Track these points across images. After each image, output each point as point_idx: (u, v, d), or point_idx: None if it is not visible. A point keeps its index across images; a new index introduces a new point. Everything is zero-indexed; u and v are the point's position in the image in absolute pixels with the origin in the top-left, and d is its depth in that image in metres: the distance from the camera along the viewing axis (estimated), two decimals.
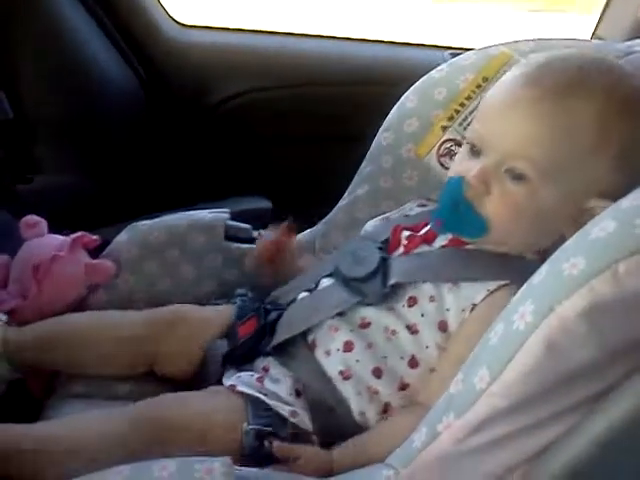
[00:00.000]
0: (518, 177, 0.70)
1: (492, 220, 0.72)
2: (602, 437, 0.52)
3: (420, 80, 0.96)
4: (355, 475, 0.64)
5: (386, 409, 0.73)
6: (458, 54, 1.01)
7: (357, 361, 0.74)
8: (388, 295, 0.75)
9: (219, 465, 0.59)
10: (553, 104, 0.69)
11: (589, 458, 0.53)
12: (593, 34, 1.27)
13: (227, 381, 0.76)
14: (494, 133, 0.72)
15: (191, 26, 1.37)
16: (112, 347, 0.84)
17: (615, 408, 0.52)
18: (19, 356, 0.83)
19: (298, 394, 0.74)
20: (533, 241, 0.74)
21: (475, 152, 0.74)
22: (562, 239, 0.59)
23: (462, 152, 0.77)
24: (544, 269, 0.57)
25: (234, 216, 1.01)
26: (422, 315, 0.74)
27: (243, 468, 0.63)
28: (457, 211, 0.73)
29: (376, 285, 0.76)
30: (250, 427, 0.70)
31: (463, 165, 0.75)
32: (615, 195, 0.59)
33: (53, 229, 0.96)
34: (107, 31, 1.28)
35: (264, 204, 1.18)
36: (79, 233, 0.92)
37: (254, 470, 0.64)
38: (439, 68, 0.96)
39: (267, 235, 0.92)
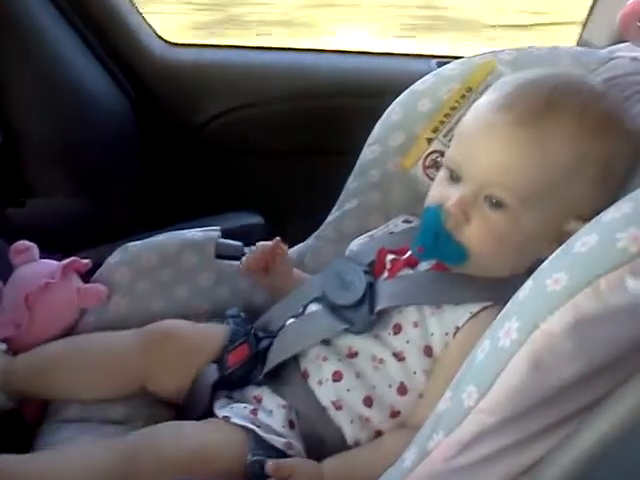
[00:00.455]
0: (497, 205, 0.71)
1: (472, 248, 0.72)
2: (590, 450, 0.52)
3: (404, 92, 0.97)
4: None
5: (379, 436, 0.73)
6: (445, 62, 1.01)
7: (348, 391, 0.74)
8: (374, 322, 0.75)
9: None
10: (526, 130, 0.69)
11: (578, 472, 0.53)
12: (579, 40, 1.27)
13: (220, 412, 0.76)
14: (471, 161, 0.72)
15: (179, 44, 1.38)
16: (105, 367, 0.83)
17: (602, 421, 0.52)
18: (14, 385, 0.83)
19: (292, 425, 0.75)
20: (514, 265, 0.74)
21: (454, 178, 0.74)
22: (543, 260, 0.59)
23: (440, 177, 0.77)
24: (528, 285, 0.57)
25: (225, 234, 1.01)
26: (407, 342, 0.74)
27: None
28: (437, 240, 0.73)
29: (363, 313, 0.76)
30: (255, 458, 0.70)
31: (442, 192, 0.75)
32: (594, 216, 0.59)
33: (44, 251, 0.96)
34: (95, 51, 1.28)
35: (255, 220, 1.18)
36: (70, 259, 0.92)
37: None
38: (423, 79, 0.96)
39: (258, 246, 0.92)
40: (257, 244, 0.92)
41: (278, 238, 0.91)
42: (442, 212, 0.72)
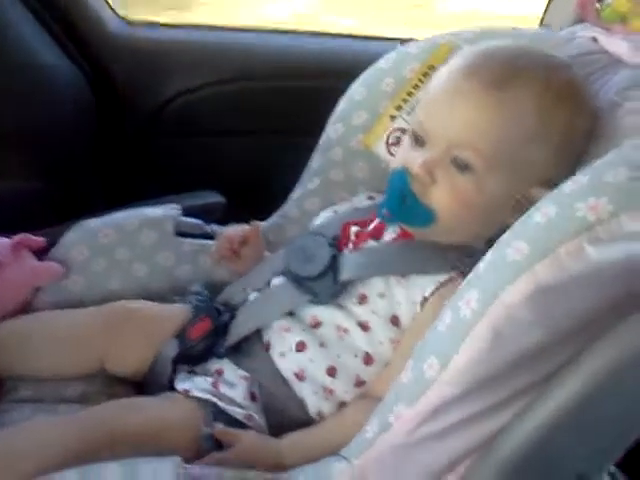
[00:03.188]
0: (463, 167, 0.71)
1: (439, 210, 0.72)
2: (550, 419, 0.53)
3: (367, 71, 0.96)
4: (308, 468, 0.64)
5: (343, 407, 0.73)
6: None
7: (311, 361, 0.74)
8: (338, 293, 0.75)
9: (169, 464, 0.58)
10: (492, 94, 0.70)
11: (538, 440, 0.54)
12: (541, 22, 1.28)
13: (181, 385, 0.75)
14: (438, 124, 0.72)
15: (137, 23, 1.35)
16: (63, 346, 0.82)
17: (561, 390, 0.53)
18: None
19: (253, 398, 0.74)
20: (479, 230, 0.75)
21: (419, 142, 0.74)
22: (506, 228, 0.59)
23: (405, 143, 0.77)
24: (488, 256, 0.57)
25: (186, 212, 0.99)
26: (373, 312, 0.74)
27: (192, 466, 0.62)
28: (404, 202, 0.73)
29: (327, 283, 0.75)
30: (208, 430, 0.69)
31: (407, 156, 0.75)
32: (555, 183, 0.60)
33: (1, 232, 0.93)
34: (50, 29, 1.24)
35: (217, 199, 1.17)
36: (21, 236, 0.89)
37: (204, 467, 0.64)
38: (386, 57, 0.96)
39: (229, 230, 0.91)
40: (227, 227, 0.91)
41: (256, 223, 0.91)
42: (408, 175, 0.72)
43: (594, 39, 0.87)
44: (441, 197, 0.72)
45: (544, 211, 0.55)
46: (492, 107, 0.70)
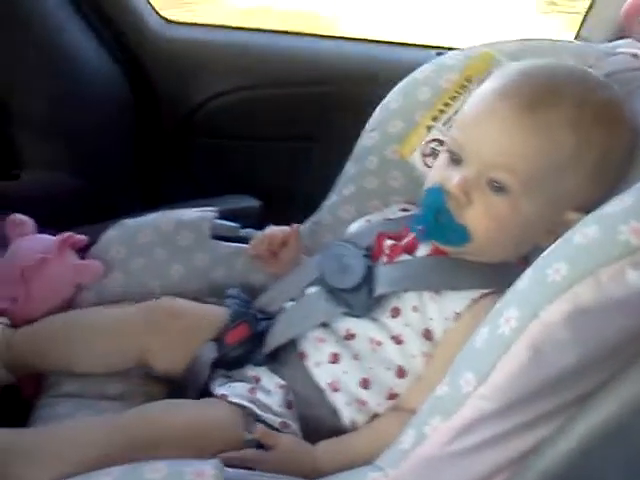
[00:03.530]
0: (499, 188, 0.71)
1: (473, 230, 0.73)
2: (586, 439, 0.54)
3: (404, 80, 0.97)
4: (344, 476, 0.65)
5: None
6: (444, 53, 1.01)
7: (344, 372, 0.75)
8: (373, 306, 0.76)
9: (210, 467, 0.60)
10: (528, 117, 0.70)
11: (574, 460, 0.54)
12: (577, 34, 1.28)
13: (219, 390, 0.76)
14: (474, 144, 0.73)
15: (178, 22, 1.36)
16: (107, 340, 0.84)
17: (598, 411, 0.53)
18: (15, 359, 0.84)
19: (289, 406, 0.75)
20: (513, 250, 0.76)
21: (455, 160, 0.75)
22: (539, 248, 0.60)
23: (441, 159, 0.78)
24: (527, 274, 0.58)
25: (222, 215, 1.01)
26: (406, 325, 0.75)
27: (233, 470, 0.64)
28: (438, 220, 0.73)
29: (362, 296, 0.76)
30: (250, 435, 0.70)
31: (443, 173, 0.75)
32: (591, 207, 0.60)
33: (40, 226, 0.96)
34: (93, 27, 1.26)
35: (252, 203, 1.18)
36: (66, 234, 0.92)
37: (245, 472, 0.65)
38: (422, 68, 0.97)
39: (267, 231, 0.92)
40: (268, 229, 0.92)
41: (295, 226, 0.92)
42: (443, 193, 0.73)
43: (636, 55, 0.88)
44: (476, 217, 0.72)
45: (585, 232, 0.55)
46: (528, 130, 0.70)
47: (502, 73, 0.77)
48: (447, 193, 0.73)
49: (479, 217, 0.72)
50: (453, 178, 0.73)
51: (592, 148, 0.71)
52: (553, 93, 0.72)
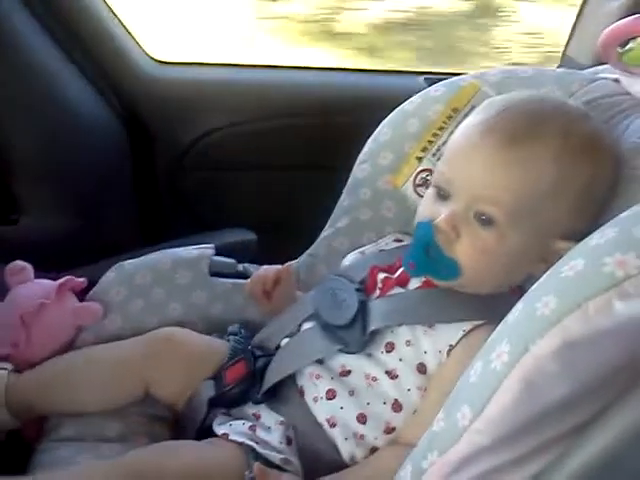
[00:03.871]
0: (486, 221, 0.73)
1: (463, 263, 0.74)
2: (581, 470, 0.54)
3: (392, 113, 0.99)
4: None
5: (374, 452, 0.75)
6: (433, 79, 1.03)
7: (341, 408, 0.76)
8: (368, 342, 0.77)
9: None
10: (512, 150, 0.72)
11: None
12: (563, 54, 1.30)
13: (219, 429, 0.77)
14: (460, 178, 0.75)
15: (168, 62, 1.38)
16: (107, 374, 0.85)
17: (592, 442, 0.54)
18: (18, 403, 0.84)
19: (289, 442, 0.76)
20: (502, 281, 0.77)
21: (442, 196, 0.76)
22: (532, 277, 0.61)
23: (429, 195, 0.79)
24: (518, 308, 0.59)
25: (219, 250, 1.02)
26: (400, 360, 0.76)
27: None
28: (428, 255, 0.74)
29: (356, 333, 0.77)
30: (252, 475, 0.70)
31: (431, 208, 0.77)
32: (577, 236, 0.61)
33: (38, 270, 0.97)
34: (84, 70, 1.27)
35: (248, 236, 1.19)
36: (65, 278, 0.93)
37: None
38: (410, 100, 0.99)
39: (260, 272, 0.93)
40: (262, 268, 0.94)
41: (288, 264, 0.93)
42: (432, 228, 0.74)
43: (616, 80, 0.89)
44: (465, 251, 0.73)
45: (572, 264, 0.56)
46: (511, 164, 0.72)
47: (485, 108, 0.79)
48: (436, 228, 0.74)
49: (468, 250, 0.73)
50: (441, 213, 0.74)
51: (576, 178, 0.72)
52: (536, 126, 0.73)
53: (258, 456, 0.73)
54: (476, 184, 0.73)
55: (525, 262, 0.74)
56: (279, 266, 0.93)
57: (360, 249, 0.93)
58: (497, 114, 0.75)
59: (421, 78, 1.32)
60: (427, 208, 0.78)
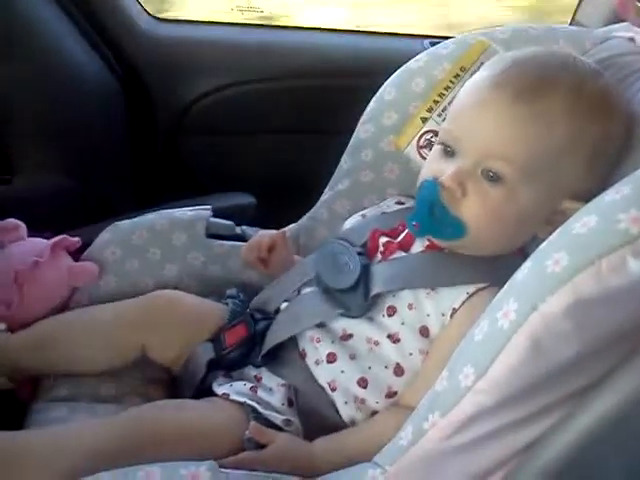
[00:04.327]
0: (495, 178, 0.70)
1: (469, 222, 0.71)
2: (588, 431, 0.53)
3: (398, 71, 0.96)
4: (342, 474, 0.65)
5: None
6: (437, 42, 1.00)
7: (342, 372, 0.74)
8: (370, 306, 0.75)
9: (205, 469, 0.59)
10: (523, 106, 0.69)
11: (575, 452, 0.54)
12: (572, 19, 1.26)
13: (220, 389, 0.76)
14: (468, 135, 0.72)
15: (167, 20, 1.35)
16: (105, 335, 0.83)
17: (599, 403, 0.52)
18: (12, 363, 0.83)
19: (290, 403, 0.75)
20: (508, 242, 0.74)
21: (448, 153, 0.74)
22: (535, 239, 0.59)
23: (434, 153, 0.77)
24: (527, 266, 0.57)
25: (216, 213, 1.00)
26: (402, 323, 0.74)
27: (229, 471, 0.63)
28: (433, 214, 0.72)
29: (358, 297, 0.75)
30: (251, 435, 0.70)
31: (436, 166, 0.74)
32: (587, 196, 0.59)
33: (33, 230, 0.95)
34: (82, 28, 1.25)
35: (247, 200, 1.17)
36: (60, 237, 0.91)
37: (241, 472, 0.64)
38: (417, 58, 0.96)
39: (255, 237, 0.92)
40: (258, 233, 0.92)
41: (284, 229, 0.91)
42: (437, 186, 0.72)
43: (631, 39, 0.86)
44: (472, 209, 0.71)
45: (584, 221, 0.54)
46: (523, 119, 0.69)
47: (495, 63, 0.76)
48: (441, 186, 0.71)
49: (475, 209, 0.71)
50: (447, 170, 0.72)
51: (588, 136, 0.70)
52: (547, 82, 0.70)
53: (259, 416, 0.72)
54: (485, 140, 0.70)
55: (532, 223, 0.72)
56: (274, 231, 0.91)
57: (361, 212, 0.91)
58: (507, 69, 0.73)
59: (426, 41, 1.29)
60: (432, 166, 0.75)
